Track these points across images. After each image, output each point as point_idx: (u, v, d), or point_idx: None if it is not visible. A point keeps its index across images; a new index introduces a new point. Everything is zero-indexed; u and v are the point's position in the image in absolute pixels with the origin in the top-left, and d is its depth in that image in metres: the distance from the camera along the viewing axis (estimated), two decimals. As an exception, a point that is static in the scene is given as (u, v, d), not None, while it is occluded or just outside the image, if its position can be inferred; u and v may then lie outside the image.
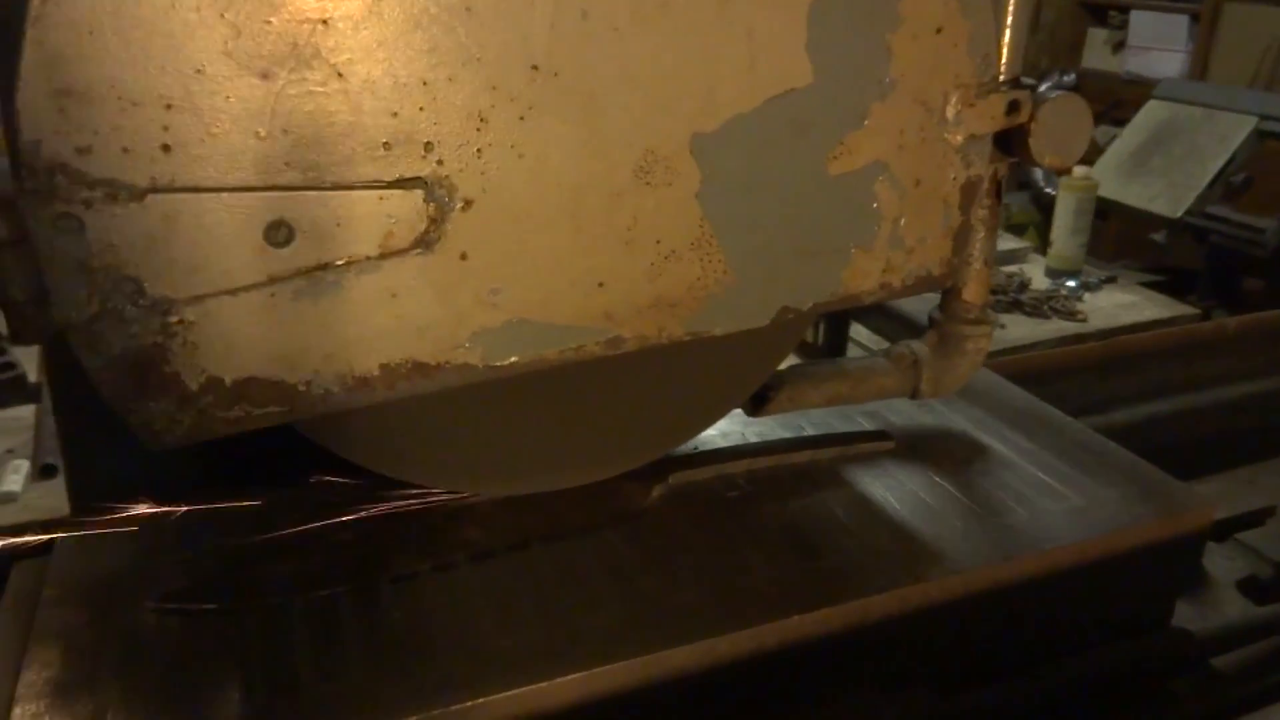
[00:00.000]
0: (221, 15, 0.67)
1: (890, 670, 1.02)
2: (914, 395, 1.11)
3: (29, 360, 1.79)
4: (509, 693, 0.83)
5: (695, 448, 1.18)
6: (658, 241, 0.86)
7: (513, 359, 0.85)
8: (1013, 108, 0.94)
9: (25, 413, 1.73)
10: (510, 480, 1.04)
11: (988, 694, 1.03)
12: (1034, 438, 1.26)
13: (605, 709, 0.87)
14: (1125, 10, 5.21)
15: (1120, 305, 2.70)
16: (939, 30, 0.89)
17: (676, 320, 0.90)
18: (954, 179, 0.95)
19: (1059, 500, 1.13)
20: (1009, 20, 0.95)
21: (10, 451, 1.62)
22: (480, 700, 0.83)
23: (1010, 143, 0.96)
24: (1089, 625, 1.13)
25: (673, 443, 1.11)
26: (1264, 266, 2.96)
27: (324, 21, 0.69)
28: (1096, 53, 5.35)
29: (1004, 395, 1.38)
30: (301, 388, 0.79)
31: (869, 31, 0.87)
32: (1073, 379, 1.96)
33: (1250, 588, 1.37)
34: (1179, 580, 1.23)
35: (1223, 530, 1.46)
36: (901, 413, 1.30)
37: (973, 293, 1.05)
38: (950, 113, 0.92)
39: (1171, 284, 3.06)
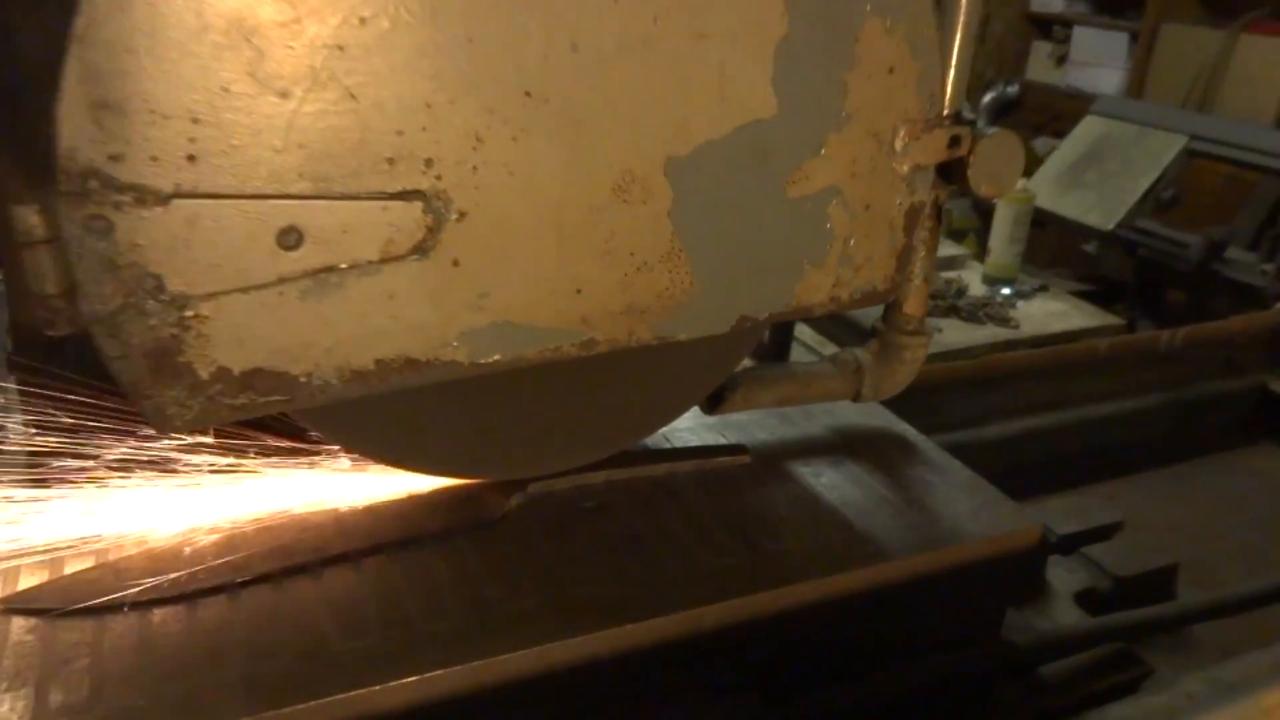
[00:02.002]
0: (248, 39, 0.73)
1: (721, 678, 1.06)
2: (856, 398, 1.21)
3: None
4: (345, 695, 0.87)
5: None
6: (631, 254, 0.94)
7: (496, 357, 0.92)
8: (954, 142, 1.03)
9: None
10: (480, 467, 1.12)
11: (814, 700, 1.08)
12: (882, 453, 1.32)
13: (441, 712, 0.91)
14: (1069, 26, 5.38)
15: (1051, 313, 2.84)
16: (891, 70, 0.98)
17: (645, 325, 0.98)
18: (900, 204, 1.05)
19: (896, 516, 1.18)
20: (953, 61, 1.04)
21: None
22: (315, 702, 0.86)
23: (951, 172, 1.06)
24: (919, 637, 1.18)
25: (636, 437, 1.19)
26: (1187, 280, 3.11)
27: (340, 47, 0.76)
28: (1040, 65, 5.52)
29: (864, 410, 1.40)
30: (303, 379, 0.85)
31: (828, 69, 0.95)
32: (950, 393, 2.06)
33: (1087, 599, 1.45)
34: (1008, 594, 1.29)
35: (1070, 544, 1.54)
36: (765, 426, 1.35)
37: (913, 306, 1.15)
38: (898, 145, 1.02)
39: (1101, 294, 3.21)
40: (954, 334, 2.62)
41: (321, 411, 0.93)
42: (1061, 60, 5.39)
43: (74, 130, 0.70)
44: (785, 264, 1.02)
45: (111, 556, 1.02)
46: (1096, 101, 3.80)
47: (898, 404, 1.33)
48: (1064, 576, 1.50)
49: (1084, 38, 5.27)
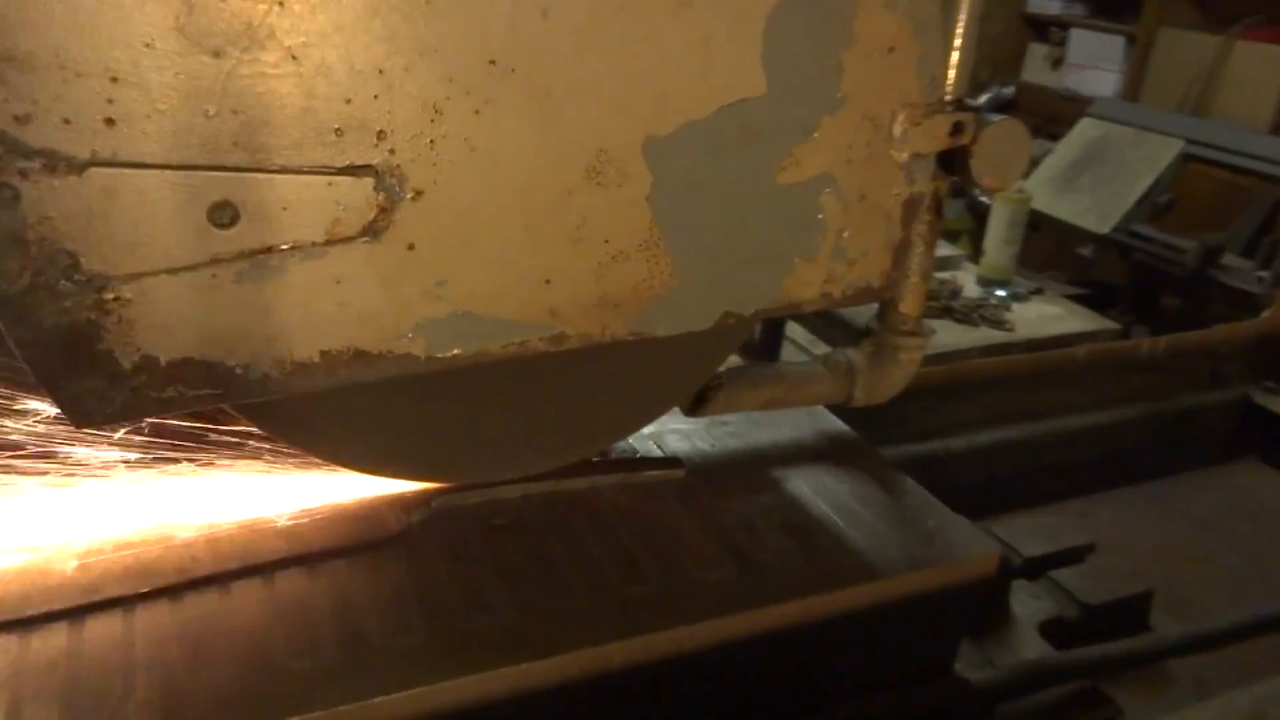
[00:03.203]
0: (174, -11, 0.65)
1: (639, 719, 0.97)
2: (848, 402, 1.13)
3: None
4: None
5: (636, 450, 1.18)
6: (606, 241, 0.86)
7: (455, 351, 0.85)
8: (957, 129, 0.96)
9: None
10: (440, 469, 1.04)
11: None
12: (827, 468, 1.21)
13: None
14: (1065, 28, 5.33)
15: (1046, 317, 2.78)
16: (891, 50, 0.91)
17: (621, 320, 0.90)
18: (897, 195, 0.98)
19: (837, 541, 1.08)
20: (957, 43, 0.97)
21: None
22: None
23: (952, 162, 0.98)
24: (860, 675, 1.09)
25: (609, 439, 1.12)
26: (1182, 285, 3.06)
27: (280, 3, 0.68)
28: (1036, 67, 5.48)
29: (810, 417, 1.32)
30: (239, 371, 0.78)
31: (823, 47, 0.88)
32: (917, 402, 1.88)
33: (1053, 630, 1.35)
34: (964, 625, 1.19)
35: (1037, 568, 1.43)
36: (706, 435, 1.25)
37: (909, 305, 1.07)
38: (897, 130, 0.94)
39: (1095, 297, 3.16)
40: (947, 335, 2.56)
41: (262, 407, 0.86)
42: (1057, 62, 5.34)
43: (-28, 86, 0.62)
44: (773, 256, 0.95)
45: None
46: (1094, 104, 3.76)
47: (859, 411, 1.22)
48: (1029, 604, 1.40)
49: (1081, 40, 5.23)
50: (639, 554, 1.03)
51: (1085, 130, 3.59)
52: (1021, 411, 2.10)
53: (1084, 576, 1.44)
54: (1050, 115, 4.76)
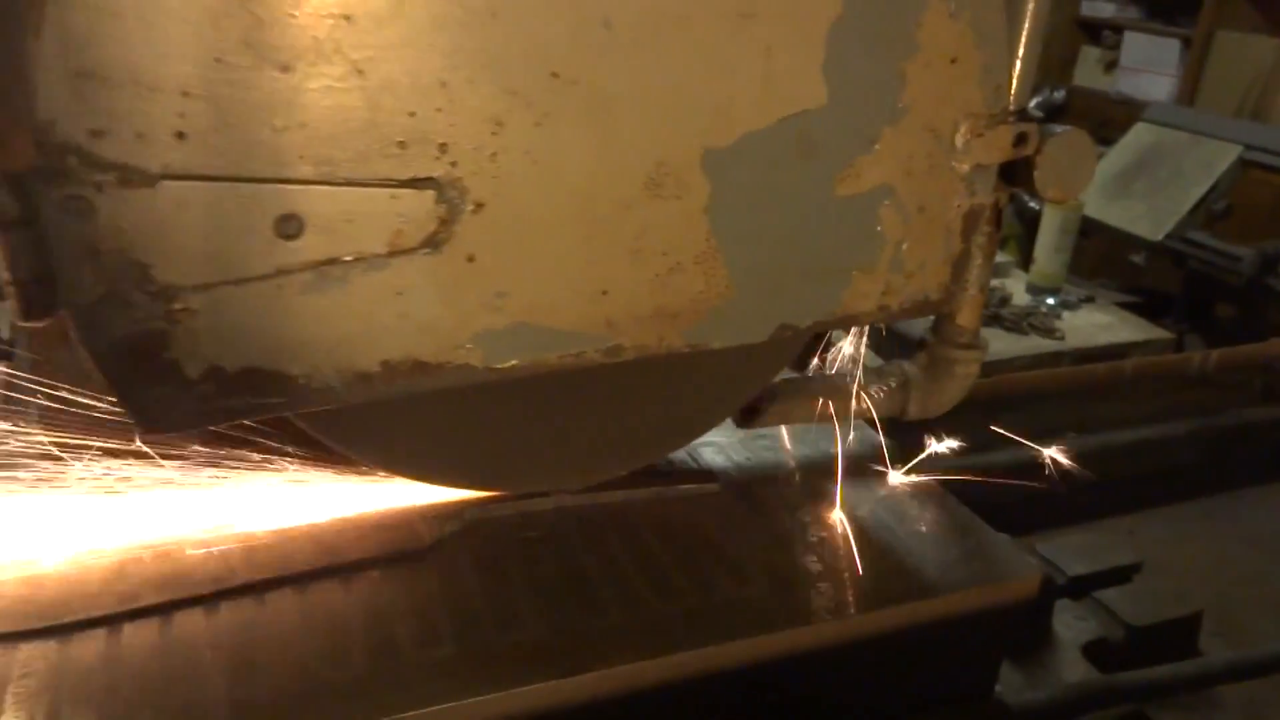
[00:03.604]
0: (244, 5, 0.66)
1: None
2: (902, 415, 1.12)
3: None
4: None
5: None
6: (663, 253, 0.86)
7: (513, 362, 0.85)
8: (1020, 140, 0.95)
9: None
10: (498, 479, 1.05)
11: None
12: (866, 484, 1.19)
13: None
14: (1119, 31, 5.24)
15: (1097, 325, 2.74)
16: (954, 60, 0.90)
17: (676, 331, 0.90)
18: (958, 206, 0.96)
19: (877, 560, 1.06)
20: (1020, 53, 0.95)
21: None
22: None
23: (1014, 174, 0.97)
24: (898, 697, 1.07)
25: (662, 451, 1.11)
26: (1238, 294, 3.00)
27: (347, 17, 0.69)
28: (1089, 71, 5.39)
29: (859, 438, 1.27)
30: (302, 380, 0.78)
31: (885, 57, 0.87)
32: (957, 415, 1.89)
33: (1097, 652, 1.31)
34: (1004, 648, 1.16)
35: (1081, 587, 1.40)
36: (740, 447, 1.22)
37: (966, 318, 1.06)
38: (959, 141, 0.93)
39: (1147, 306, 3.10)
40: (997, 344, 2.52)
41: (322, 415, 0.87)
42: (1111, 66, 5.25)
43: (51, 101, 0.64)
44: (831, 269, 0.94)
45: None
46: (1148, 108, 3.69)
47: (902, 424, 1.19)
48: (1072, 624, 1.36)
49: (1135, 43, 5.13)
50: (672, 569, 1.02)
51: (1140, 135, 3.53)
52: (1066, 425, 2.06)
53: (1130, 597, 1.40)
54: (1103, 120, 4.68)
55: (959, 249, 0.99)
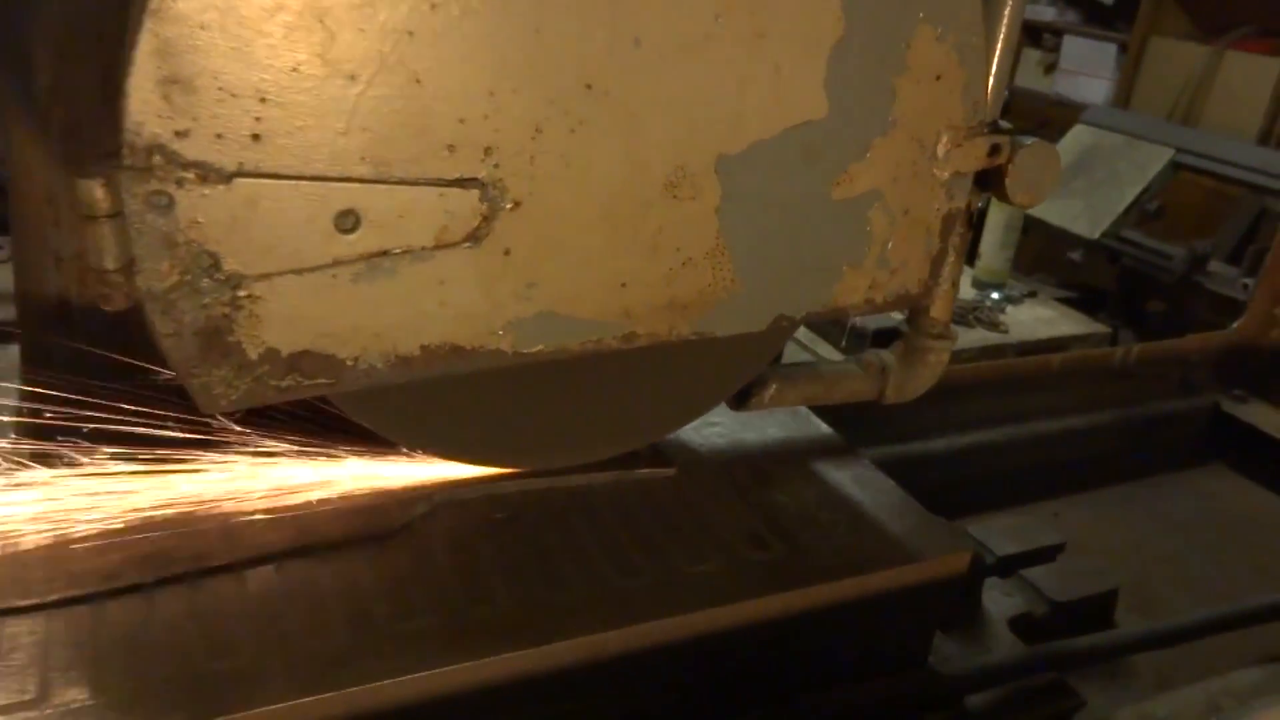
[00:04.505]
0: (320, 21, 0.72)
1: (624, 710, 1.02)
2: (880, 399, 1.22)
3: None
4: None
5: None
6: (677, 249, 0.94)
7: (539, 347, 0.92)
8: (994, 150, 1.04)
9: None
10: (509, 455, 1.12)
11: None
12: (810, 467, 1.27)
13: None
14: (1059, 34, 5.42)
15: (1039, 319, 2.86)
16: (938, 77, 0.99)
17: (686, 321, 0.98)
18: (937, 210, 1.06)
19: (820, 538, 1.13)
20: (992, 70, 1.05)
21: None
22: None
23: (989, 180, 1.07)
24: (841, 665, 1.14)
25: (663, 431, 1.20)
26: (1169, 290, 3.15)
27: (410, 33, 0.75)
28: (1029, 72, 5.55)
29: (804, 426, 1.37)
30: (349, 363, 0.85)
31: (879, 73, 0.96)
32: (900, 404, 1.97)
33: (1022, 625, 1.41)
34: (935, 620, 1.24)
35: (1009, 566, 1.50)
36: (695, 438, 1.29)
37: (940, 310, 1.16)
38: (941, 151, 1.02)
39: (1082, 301, 3.24)
40: (945, 336, 2.63)
41: (360, 395, 0.93)
42: (1050, 68, 5.42)
43: (142, 105, 0.69)
44: (824, 264, 1.03)
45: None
46: (1086, 111, 3.83)
47: (846, 413, 1.28)
48: (1000, 600, 1.47)
49: (1073, 47, 5.31)
50: (631, 548, 1.09)
51: (1078, 136, 3.66)
52: (998, 416, 2.18)
53: (1054, 575, 1.51)
54: (1042, 120, 4.84)
55: (938, 248, 1.08)
